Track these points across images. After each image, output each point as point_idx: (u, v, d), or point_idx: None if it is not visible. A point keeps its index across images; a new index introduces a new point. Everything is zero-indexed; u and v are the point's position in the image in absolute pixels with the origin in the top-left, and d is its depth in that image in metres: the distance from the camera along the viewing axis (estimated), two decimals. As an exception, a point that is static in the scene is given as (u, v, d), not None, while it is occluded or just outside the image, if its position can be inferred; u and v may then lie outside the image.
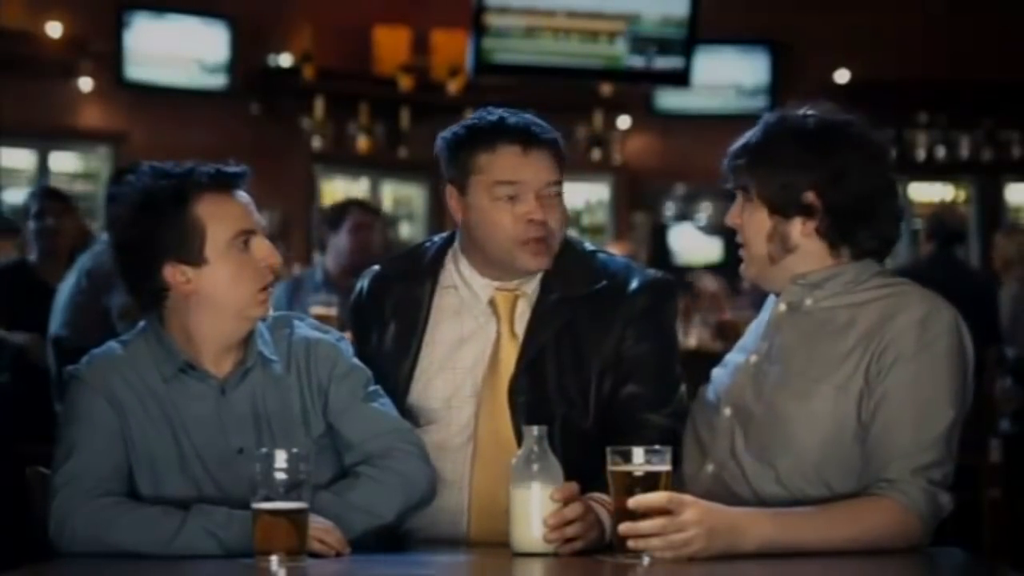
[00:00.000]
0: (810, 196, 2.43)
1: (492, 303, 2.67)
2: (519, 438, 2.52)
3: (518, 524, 2.30)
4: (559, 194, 2.63)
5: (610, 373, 2.62)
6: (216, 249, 2.40)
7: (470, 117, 2.68)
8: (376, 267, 2.82)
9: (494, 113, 2.65)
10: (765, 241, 2.47)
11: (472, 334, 2.67)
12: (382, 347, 2.68)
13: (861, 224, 2.44)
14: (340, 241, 5.92)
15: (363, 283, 2.79)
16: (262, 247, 2.44)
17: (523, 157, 2.60)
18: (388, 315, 2.70)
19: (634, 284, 2.67)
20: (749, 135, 2.50)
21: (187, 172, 2.41)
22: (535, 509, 2.29)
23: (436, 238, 2.82)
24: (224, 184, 2.42)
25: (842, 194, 2.42)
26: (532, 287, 2.68)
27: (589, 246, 2.76)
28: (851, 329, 2.40)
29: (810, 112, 2.49)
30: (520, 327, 2.66)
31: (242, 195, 2.45)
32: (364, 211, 6.12)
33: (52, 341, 5.48)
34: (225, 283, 2.41)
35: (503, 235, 2.60)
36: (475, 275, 2.68)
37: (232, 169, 2.44)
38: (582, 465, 2.37)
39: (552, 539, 2.28)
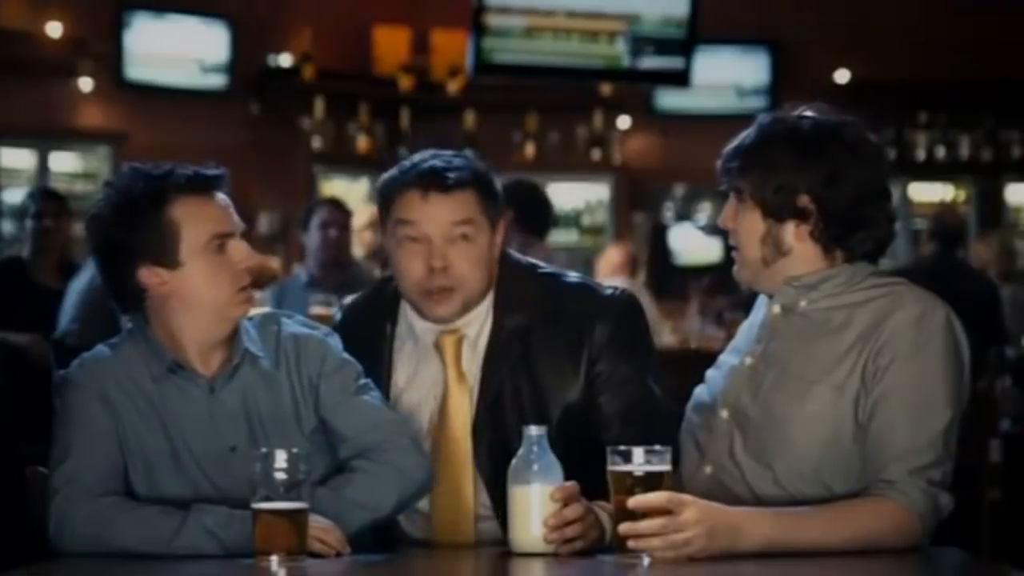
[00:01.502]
0: (804, 199, 2.42)
1: (438, 347, 2.60)
2: (488, 483, 2.52)
3: (518, 524, 2.30)
4: (465, 236, 2.53)
5: (579, 413, 2.55)
6: (191, 251, 2.40)
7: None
8: (349, 301, 2.78)
9: (423, 156, 2.60)
10: (759, 244, 2.46)
11: (420, 378, 2.61)
12: None
13: (855, 227, 2.43)
14: (311, 240, 5.94)
15: (336, 317, 2.78)
16: (239, 250, 2.44)
17: (422, 200, 2.54)
18: (357, 356, 2.59)
19: (593, 310, 2.59)
20: (743, 137, 2.48)
21: (164, 174, 2.42)
22: (535, 509, 2.28)
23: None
24: (201, 187, 2.42)
25: (836, 197, 2.41)
26: (476, 324, 2.60)
27: (544, 268, 2.67)
28: (846, 330, 2.40)
29: (805, 114, 2.48)
30: (468, 367, 2.59)
31: (221, 198, 2.45)
32: (332, 208, 6.11)
33: (61, 335, 5.52)
34: (201, 285, 2.41)
35: (408, 281, 2.56)
36: (415, 318, 2.62)
37: (210, 172, 2.44)
38: None
39: (552, 539, 2.28)
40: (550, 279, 2.65)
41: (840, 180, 2.41)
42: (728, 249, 2.55)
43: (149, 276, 2.40)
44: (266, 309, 2.68)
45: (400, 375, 2.63)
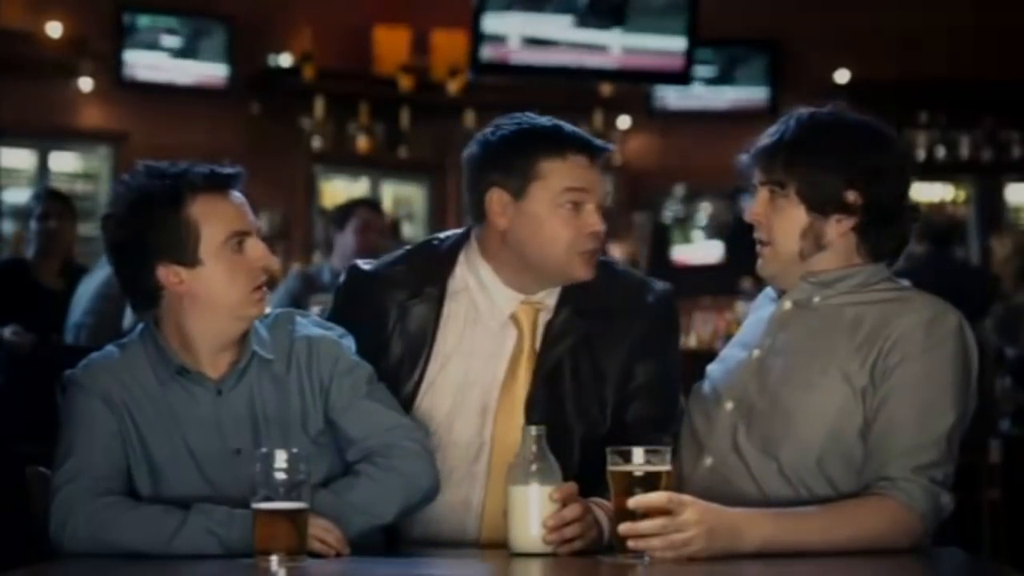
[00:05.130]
0: (852, 195, 2.43)
1: (514, 316, 2.60)
2: None
3: (516, 524, 2.30)
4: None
5: (620, 387, 2.58)
6: (210, 250, 2.40)
7: (509, 121, 2.61)
8: (368, 266, 2.70)
9: (534, 119, 2.60)
10: (798, 238, 2.47)
11: (485, 347, 2.60)
12: (388, 357, 2.59)
13: (891, 223, 2.46)
14: (346, 241, 5.96)
15: (354, 280, 2.69)
16: (256, 248, 2.44)
17: (590, 167, 2.56)
18: (393, 323, 2.61)
19: (649, 298, 2.63)
20: (780, 131, 2.48)
21: (182, 172, 2.41)
22: (534, 509, 2.29)
23: (442, 238, 2.72)
24: (219, 185, 2.42)
25: (880, 193, 2.44)
26: (553, 300, 2.62)
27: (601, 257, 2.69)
28: (859, 327, 2.41)
29: (837, 111, 2.50)
30: (539, 342, 2.60)
31: (237, 196, 2.44)
32: (370, 211, 6.16)
33: (72, 329, 5.57)
34: (218, 284, 2.40)
35: (561, 244, 2.53)
36: (498, 284, 2.60)
37: (227, 170, 2.44)
38: (603, 480, 2.35)
39: (551, 540, 2.28)
40: (612, 265, 2.70)
41: (884, 176, 2.44)
42: (733, 249, 2.55)
43: (167, 275, 2.40)
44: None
45: (453, 344, 2.60)
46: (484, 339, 2.60)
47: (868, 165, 2.43)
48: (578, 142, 2.57)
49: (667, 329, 2.65)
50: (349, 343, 2.53)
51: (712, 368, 2.60)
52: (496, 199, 2.56)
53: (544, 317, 2.60)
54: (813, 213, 2.45)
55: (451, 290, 2.63)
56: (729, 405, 2.48)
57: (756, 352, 2.51)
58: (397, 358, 2.60)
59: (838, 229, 2.46)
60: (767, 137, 2.49)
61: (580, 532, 2.30)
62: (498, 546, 2.44)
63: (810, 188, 2.44)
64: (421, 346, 2.60)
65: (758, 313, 2.60)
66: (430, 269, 2.65)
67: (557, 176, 2.54)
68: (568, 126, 2.60)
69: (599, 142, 2.60)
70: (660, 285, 2.67)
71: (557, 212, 2.53)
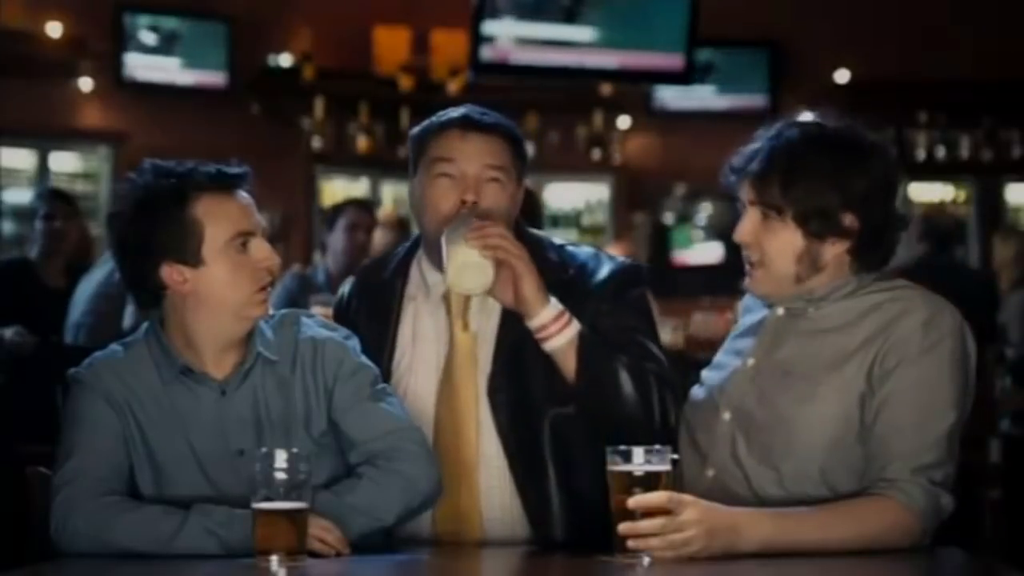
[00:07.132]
0: (849, 218, 2.40)
1: (445, 298, 2.64)
2: (504, 436, 2.53)
3: (454, 254, 2.44)
4: (496, 179, 2.59)
5: None
6: (213, 250, 2.39)
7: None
8: (362, 263, 2.81)
9: (460, 108, 2.67)
10: (794, 262, 2.43)
11: (428, 332, 2.64)
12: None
13: (884, 238, 2.44)
14: (335, 240, 5.97)
15: (344, 288, 2.80)
16: (261, 249, 2.43)
17: (461, 139, 2.59)
18: (364, 317, 2.68)
19: (603, 273, 2.62)
20: (767, 148, 2.43)
21: (188, 172, 2.41)
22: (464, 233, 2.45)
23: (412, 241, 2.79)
24: (224, 184, 2.42)
25: (874, 212, 2.41)
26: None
27: (555, 240, 2.72)
28: (854, 332, 2.40)
29: (824, 122, 2.46)
30: (478, 322, 2.61)
31: (243, 196, 2.44)
32: (359, 210, 6.16)
33: (72, 329, 5.57)
34: (222, 284, 2.40)
35: (436, 218, 2.58)
36: (431, 270, 2.66)
37: (233, 170, 2.43)
38: (580, 458, 2.38)
39: (472, 240, 2.44)
40: (563, 247, 2.70)
41: (878, 194, 2.41)
42: (734, 251, 2.52)
43: (171, 274, 2.40)
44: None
45: (407, 329, 2.65)
46: (427, 326, 2.65)
47: (863, 186, 2.39)
48: (453, 118, 2.62)
49: (620, 296, 2.61)
50: (354, 344, 2.53)
51: (707, 375, 2.58)
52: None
53: (481, 298, 2.60)
54: (810, 237, 2.41)
55: (410, 282, 2.69)
56: (727, 415, 2.47)
57: (751, 361, 2.49)
58: (366, 348, 2.60)
59: (833, 251, 2.43)
60: (758, 162, 2.42)
61: (500, 237, 2.43)
62: (450, 528, 2.50)
63: (808, 213, 2.40)
64: (385, 336, 2.65)
65: (749, 317, 2.58)
66: (395, 264, 2.73)
67: (430, 149, 2.62)
68: (469, 109, 2.65)
69: (480, 116, 2.62)
70: (619, 260, 2.67)
71: (432, 183, 2.60)
